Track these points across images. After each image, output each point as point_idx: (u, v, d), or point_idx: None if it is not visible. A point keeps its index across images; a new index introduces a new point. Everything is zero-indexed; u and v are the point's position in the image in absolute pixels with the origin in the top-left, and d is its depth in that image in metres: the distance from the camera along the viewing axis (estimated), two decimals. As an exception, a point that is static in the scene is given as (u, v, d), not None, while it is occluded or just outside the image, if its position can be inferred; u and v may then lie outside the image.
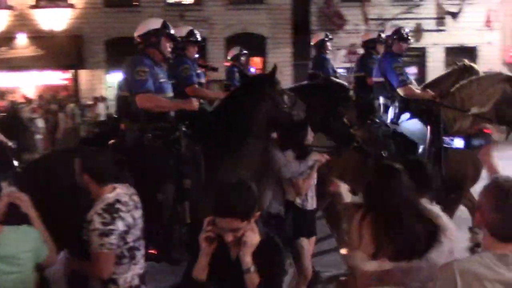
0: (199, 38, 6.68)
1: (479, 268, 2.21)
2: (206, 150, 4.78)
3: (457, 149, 5.59)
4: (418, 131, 6.43)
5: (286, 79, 17.85)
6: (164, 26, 4.98)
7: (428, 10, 22.15)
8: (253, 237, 2.67)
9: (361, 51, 8.87)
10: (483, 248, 2.40)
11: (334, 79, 7.02)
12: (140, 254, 3.42)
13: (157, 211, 4.39)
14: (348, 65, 22.12)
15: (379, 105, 6.92)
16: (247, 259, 2.65)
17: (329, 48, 9.23)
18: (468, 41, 22.13)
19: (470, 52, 22.48)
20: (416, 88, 7.09)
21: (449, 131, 6.33)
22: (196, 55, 6.80)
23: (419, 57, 22.46)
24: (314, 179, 4.96)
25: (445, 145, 6.05)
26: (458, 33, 21.91)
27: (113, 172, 3.46)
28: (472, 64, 7.89)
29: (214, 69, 7.63)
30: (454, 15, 21.61)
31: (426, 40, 22.10)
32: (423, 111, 6.62)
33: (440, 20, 22.09)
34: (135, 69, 4.71)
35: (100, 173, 3.36)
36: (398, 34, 7.14)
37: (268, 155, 4.89)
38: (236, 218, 2.60)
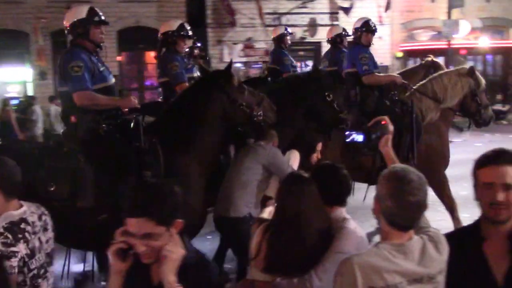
0: (190, 33, 6.51)
1: (377, 260, 2.20)
2: (162, 142, 4.63)
3: (360, 143, 5.69)
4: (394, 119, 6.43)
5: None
6: (91, 13, 4.73)
7: (322, 5, 22.47)
8: (175, 251, 2.18)
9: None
10: (381, 238, 2.35)
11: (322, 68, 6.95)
12: (45, 285, 2.99)
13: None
14: (245, 59, 22.07)
15: (356, 94, 6.96)
16: (170, 278, 2.13)
17: (289, 42, 9.05)
18: (360, 36, 22.68)
19: (362, 46, 23.15)
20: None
21: (421, 122, 6.56)
22: (187, 49, 6.72)
23: (314, 52, 22.77)
24: None
25: (347, 141, 6.09)
26: (351, 28, 22.39)
27: (19, 186, 3.04)
28: (437, 60, 8.26)
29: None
30: (346, 10, 22.06)
31: (321, 34, 22.42)
32: (399, 101, 6.80)
33: (333, 15, 22.47)
34: (69, 65, 4.52)
35: (7, 185, 2.93)
36: (366, 26, 7.39)
37: (225, 152, 4.88)
38: (148, 218, 2.14)
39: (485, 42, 23.08)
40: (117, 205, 3.89)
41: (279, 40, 8.93)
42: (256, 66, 22.58)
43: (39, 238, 2.97)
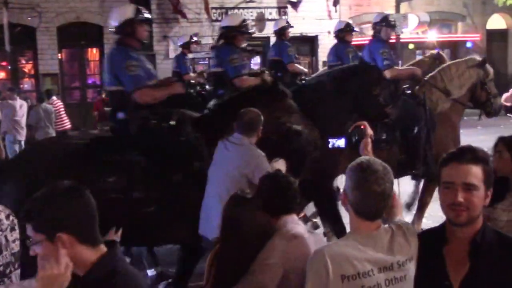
0: (251, 30, 6.93)
1: (347, 249, 2.24)
2: (206, 138, 4.81)
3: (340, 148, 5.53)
4: (411, 112, 6.67)
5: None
6: (137, 13, 4.95)
7: (269, -1, 22.11)
8: (49, 268, 1.97)
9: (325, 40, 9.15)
10: (350, 229, 2.42)
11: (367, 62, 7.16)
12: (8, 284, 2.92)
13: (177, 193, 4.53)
14: (191, 55, 21.41)
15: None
16: None
17: (289, 35, 9.58)
18: (309, 30, 22.41)
19: (311, 41, 22.88)
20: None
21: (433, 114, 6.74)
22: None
23: (263, 47, 22.36)
24: None
25: (329, 146, 5.84)
26: (299, 23, 22.10)
27: None
28: (442, 53, 8.42)
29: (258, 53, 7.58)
30: (294, 4, 21.75)
31: (269, 29, 22.02)
32: (413, 94, 6.94)
33: (281, 9, 22.12)
34: (124, 65, 4.75)
35: None
36: (386, 21, 7.45)
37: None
38: (27, 222, 2.06)
39: (433, 36, 23.19)
40: (166, 198, 4.50)
41: (281, 32, 9.41)
42: (203, 62, 21.98)
43: (5, 236, 2.94)
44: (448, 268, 2.23)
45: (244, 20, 6.74)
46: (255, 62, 22.63)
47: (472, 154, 2.22)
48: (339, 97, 5.79)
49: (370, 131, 3.31)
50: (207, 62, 21.69)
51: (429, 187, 6.82)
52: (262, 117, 4.46)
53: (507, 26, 24.72)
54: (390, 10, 21.72)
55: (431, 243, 2.32)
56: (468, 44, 24.39)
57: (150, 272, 5.96)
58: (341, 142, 5.26)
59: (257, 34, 21.82)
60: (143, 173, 4.60)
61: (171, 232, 4.65)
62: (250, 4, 21.66)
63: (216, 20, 21.34)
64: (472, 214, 2.20)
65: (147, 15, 5.09)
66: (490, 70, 7.22)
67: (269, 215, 2.98)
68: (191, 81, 10.05)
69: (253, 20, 21.68)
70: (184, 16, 20.74)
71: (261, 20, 21.79)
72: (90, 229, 2.10)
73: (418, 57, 24.24)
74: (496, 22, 24.98)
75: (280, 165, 4.33)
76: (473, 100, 7.23)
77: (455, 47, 24.96)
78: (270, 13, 22.00)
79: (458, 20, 24.93)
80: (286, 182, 3.10)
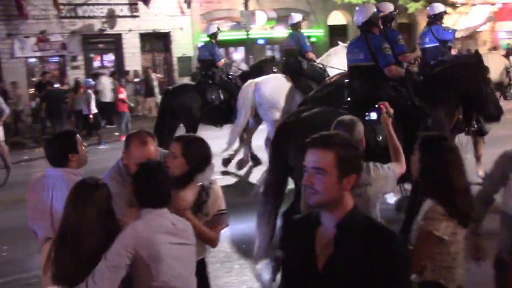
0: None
1: None
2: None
3: (374, 121, 5.85)
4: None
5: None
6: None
7: (121, -5, 21.71)
8: None
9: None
10: None
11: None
12: None
13: None
14: (40, 53, 20.45)
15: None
16: None
17: (302, 27, 10.55)
18: (162, 27, 22.45)
19: (164, 37, 22.89)
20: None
21: None
22: None
23: (115, 44, 21.98)
24: None
25: (366, 118, 5.93)
26: (151, 19, 22.05)
27: None
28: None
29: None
30: (145, 1, 21.58)
31: (121, 26, 21.71)
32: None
33: (133, 6, 21.85)
34: (382, 46, 6.16)
35: None
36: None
37: None
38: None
39: (280, 31, 24.26)
40: None
41: (297, 26, 10.22)
42: (52, 59, 21.08)
43: None
44: (316, 250, 2.24)
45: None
46: (109, 59, 22.22)
47: (323, 140, 2.25)
48: (454, 87, 6.82)
49: (390, 110, 4.16)
50: (57, 60, 20.86)
51: (479, 141, 8.72)
52: None
53: (346, 22, 26.50)
54: (239, 7, 22.46)
55: (307, 225, 2.33)
56: (312, 39, 25.89)
57: None
58: (374, 115, 5.77)
59: (108, 31, 21.47)
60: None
61: None
62: (100, 1, 21.12)
63: (65, 17, 20.56)
64: (323, 197, 2.21)
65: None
66: None
67: (139, 204, 2.97)
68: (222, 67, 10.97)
69: (104, 17, 21.21)
70: (25, 16, 19.51)
71: (112, 17, 21.38)
72: None
73: (268, 52, 25.33)
74: (337, 18, 26.74)
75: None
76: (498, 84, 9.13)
77: (301, 42, 26.32)
78: (121, 10, 21.66)
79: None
80: (161, 175, 3.01)
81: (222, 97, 10.43)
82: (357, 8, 6.79)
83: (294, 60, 9.78)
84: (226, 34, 23.86)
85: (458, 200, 3.04)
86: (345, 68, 8.68)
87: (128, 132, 15.64)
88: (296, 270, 2.30)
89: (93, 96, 15.77)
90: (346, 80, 6.74)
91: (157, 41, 23.18)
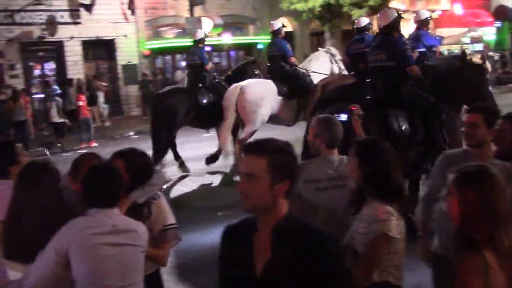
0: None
1: (311, 165, 3.88)
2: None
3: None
4: None
5: None
6: (398, 15, 7.08)
7: (60, 2, 20.99)
8: None
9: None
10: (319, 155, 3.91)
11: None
12: None
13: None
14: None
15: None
16: None
17: (283, 34, 10.88)
18: (105, 34, 21.87)
19: (108, 44, 22.34)
20: None
21: None
22: None
23: (56, 51, 21.26)
24: None
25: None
26: (94, 26, 21.46)
27: None
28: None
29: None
30: (87, 7, 21.02)
31: (62, 33, 21.02)
32: None
33: (74, 12, 21.20)
34: (404, 48, 6.71)
35: None
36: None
37: None
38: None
39: (227, 38, 24.14)
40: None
41: (278, 33, 10.72)
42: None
43: None
44: (254, 255, 2.26)
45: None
46: (50, 67, 21.49)
47: (257, 146, 2.28)
48: (458, 84, 7.33)
49: (360, 112, 4.85)
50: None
51: None
52: None
53: (292, 28, 26.65)
54: (185, 13, 22.16)
55: (245, 230, 2.35)
56: (260, 46, 25.89)
57: None
58: (344, 117, 5.89)
59: (49, 39, 20.74)
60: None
61: None
62: (39, 7, 20.36)
63: (2, 24, 19.75)
64: (255, 203, 2.24)
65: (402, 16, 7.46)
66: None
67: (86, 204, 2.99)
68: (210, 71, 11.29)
69: (43, 23, 20.48)
70: None
71: (52, 24, 20.66)
72: None
73: (216, 59, 25.11)
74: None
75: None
76: None
77: (248, 49, 26.31)
78: (62, 16, 20.95)
79: (249, 23, 26.30)
80: (110, 175, 3.01)
81: (212, 99, 10.73)
82: (379, 13, 7.48)
83: (277, 65, 10.38)
84: (172, 41, 23.56)
85: (402, 198, 3.21)
86: (325, 71, 10.51)
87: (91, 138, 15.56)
88: (235, 276, 2.33)
89: (60, 104, 15.87)
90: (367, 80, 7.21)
91: (100, 49, 22.57)
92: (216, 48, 24.51)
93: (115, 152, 3.50)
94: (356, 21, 9.69)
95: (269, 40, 11.11)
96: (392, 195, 3.15)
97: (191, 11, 20.71)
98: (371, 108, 6.13)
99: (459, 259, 2.30)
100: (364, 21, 9.48)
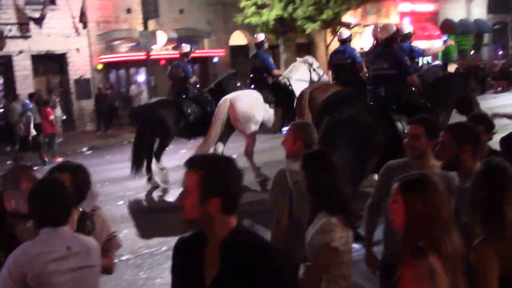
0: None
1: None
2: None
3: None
4: None
5: None
6: (397, 30, 7.74)
7: (8, 15, 20.46)
8: None
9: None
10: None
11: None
12: None
13: None
14: None
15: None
16: None
17: (266, 46, 11.47)
18: (56, 48, 21.42)
19: (59, 59, 21.88)
20: None
21: None
22: None
23: (5, 66, 20.67)
24: None
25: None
26: (45, 40, 20.98)
27: None
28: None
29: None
30: (37, 21, 20.54)
31: (11, 47, 20.47)
32: None
33: (23, 26, 20.68)
34: (404, 58, 7.25)
35: None
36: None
37: None
38: None
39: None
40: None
41: (261, 45, 11.19)
42: None
43: None
44: (204, 268, 2.27)
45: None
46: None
47: (193, 161, 2.30)
48: (448, 95, 8.06)
49: None
50: None
51: None
52: None
53: (247, 42, 26.74)
54: (139, 27, 21.94)
55: (195, 244, 2.36)
56: (215, 59, 25.87)
57: None
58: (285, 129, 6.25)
59: (-3, 53, 20.18)
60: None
61: None
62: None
63: None
64: (189, 216, 2.25)
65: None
66: None
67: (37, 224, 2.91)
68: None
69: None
70: None
71: (0, 38, 20.10)
72: None
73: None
74: (238, 38, 26.91)
75: None
76: None
77: (203, 62, 26.25)
78: (10, 30, 20.42)
79: (204, 37, 26.24)
80: (61, 189, 2.93)
81: (196, 110, 11.10)
82: (380, 26, 8.14)
83: (260, 76, 10.94)
84: (126, 55, 23.26)
85: (349, 208, 3.24)
86: (305, 79, 10.94)
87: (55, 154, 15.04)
88: None
89: (32, 118, 15.47)
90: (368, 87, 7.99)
91: (51, 63, 22.06)
92: (172, 62, 24.33)
93: (56, 167, 3.50)
94: (338, 33, 10.99)
95: (253, 52, 11.68)
96: (337, 207, 3.18)
97: (145, 24, 20.51)
98: (377, 113, 6.86)
99: (405, 265, 2.36)
100: (346, 33, 10.80)
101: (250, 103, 10.24)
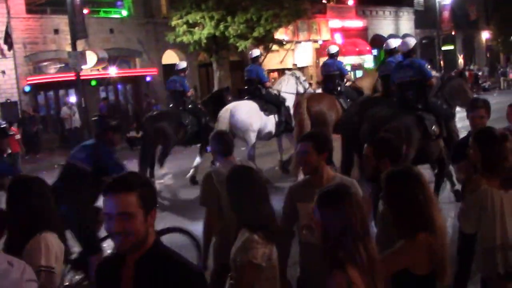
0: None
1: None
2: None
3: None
4: None
5: None
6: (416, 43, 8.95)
7: None
8: None
9: None
10: None
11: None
12: None
13: None
14: None
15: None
16: None
17: (260, 61, 12.87)
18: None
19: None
20: None
21: None
22: None
23: None
24: None
25: None
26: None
27: None
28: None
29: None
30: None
31: None
32: None
33: None
34: (425, 65, 8.65)
35: None
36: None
37: None
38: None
39: (114, 72, 23.58)
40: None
41: (255, 60, 12.46)
42: None
43: None
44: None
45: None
46: None
47: (124, 183, 2.26)
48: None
49: None
50: None
51: None
52: None
53: (179, 60, 26.63)
54: (67, 47, 21.38)
55: (113, 265, 2.36)
56: (148, 78, 25.57)
57: None
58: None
59: None
60: None
61: None
62: None
63: None
64: (136, 239, 2.23)
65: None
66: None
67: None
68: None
69: None
70: None
71: None
72: None
73: (102, 94, 24.39)
74: (170, 57, 26.72)
75: None
76: None
77: (135, 82, 25.89)
78: None
79: (135, 56, 25.90)
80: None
81: (192, 121, 12.11)
82: (402, 40, 9.21)
83: (254, 88, 12.00)
84: (54, 76, 22.59)
85: (271, 226, 3.26)
86: (293, 91, 12.14)
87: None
88: None
89: None
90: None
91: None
92: (102, 82, 23.88)
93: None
94: (327, 48, 12.48)
95: (248, 67, 12.62)
96: (258, 224, 3.19)
97: (74, 45, 20.00)
98: (407, 114, 7.95)
99: (327, 277, 2.39)
100: (334, 48, 12.28)
101: (248, 113, 11.33)
